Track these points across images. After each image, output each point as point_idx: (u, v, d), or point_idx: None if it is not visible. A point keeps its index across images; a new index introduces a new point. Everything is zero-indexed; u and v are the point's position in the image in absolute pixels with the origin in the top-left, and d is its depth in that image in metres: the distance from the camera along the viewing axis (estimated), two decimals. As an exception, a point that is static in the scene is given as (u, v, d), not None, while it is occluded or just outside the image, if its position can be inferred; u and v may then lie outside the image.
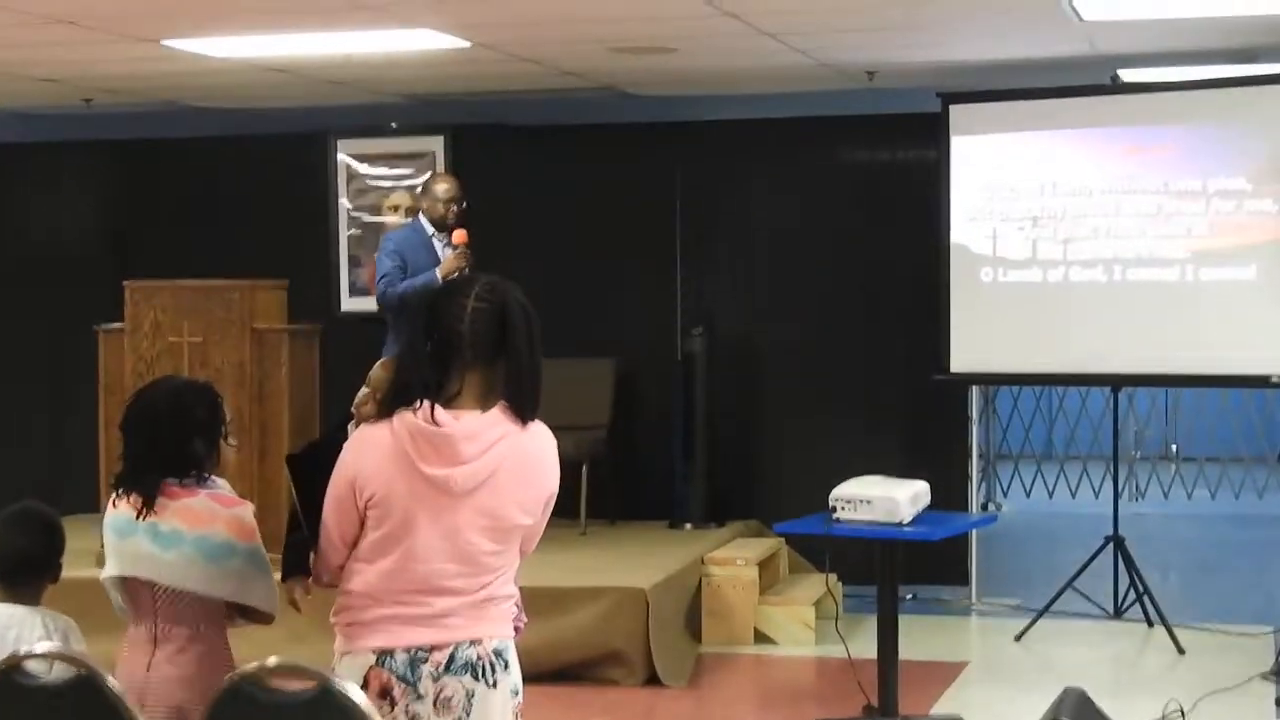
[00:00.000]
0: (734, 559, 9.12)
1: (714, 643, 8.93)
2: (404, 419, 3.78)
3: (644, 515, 10.40)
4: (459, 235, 8.84)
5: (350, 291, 10.96)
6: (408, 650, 3.80)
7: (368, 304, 10.73)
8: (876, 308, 10.26)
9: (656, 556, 9.15)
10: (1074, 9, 7.83)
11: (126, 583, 4.46)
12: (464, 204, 8.95)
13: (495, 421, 3.79)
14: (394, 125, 10.97)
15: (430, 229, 8.97)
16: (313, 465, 4.06)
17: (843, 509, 7.08)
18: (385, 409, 3.84)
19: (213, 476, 4.51)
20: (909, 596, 9.77)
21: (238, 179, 11.01)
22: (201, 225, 10.90)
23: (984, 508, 14.29)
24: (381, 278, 8.78)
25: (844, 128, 10.35)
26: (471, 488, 3.77)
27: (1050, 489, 14.37)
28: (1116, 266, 9.30)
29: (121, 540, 4.43)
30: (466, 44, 8.56)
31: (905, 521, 7.01)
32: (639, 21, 8.07)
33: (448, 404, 3.80)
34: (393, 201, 10.96)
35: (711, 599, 9.02)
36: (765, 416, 10.51)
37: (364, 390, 4.25)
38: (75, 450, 9.92)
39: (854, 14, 8.05)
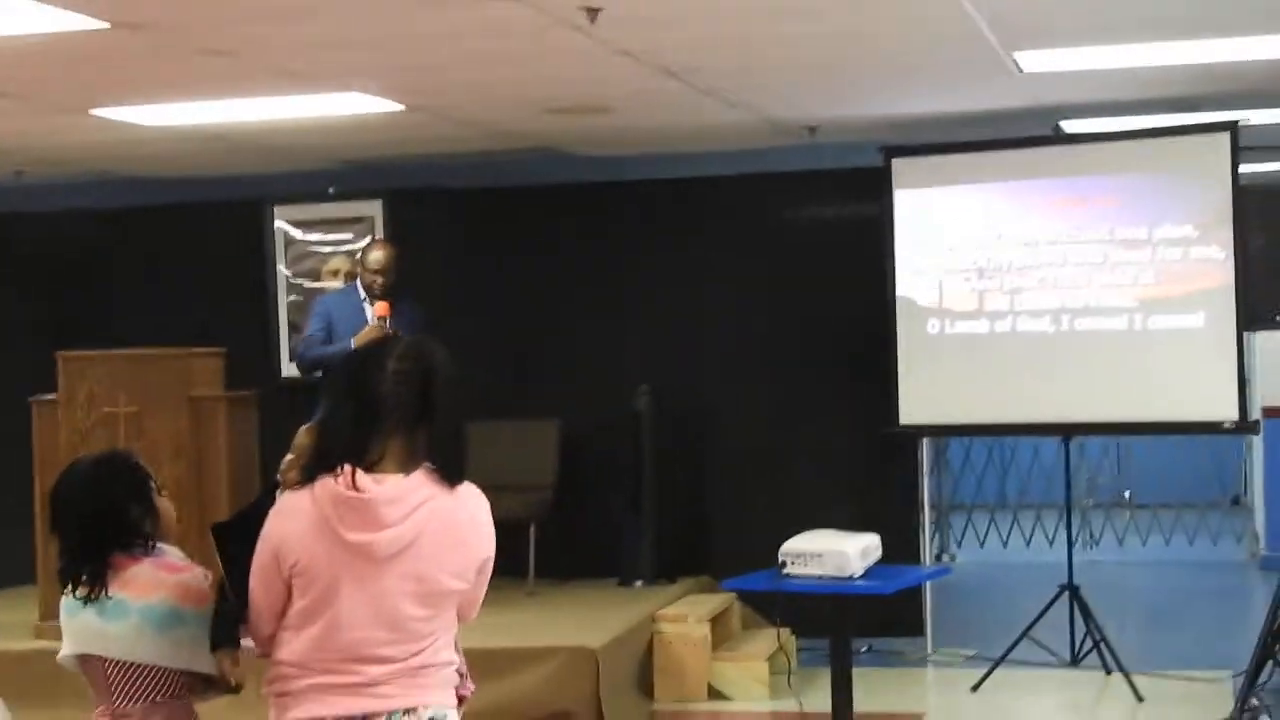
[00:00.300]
0: (685, 616, 9.01)
1: (667, 700, 8.80)
2: (325, 485, 3.70)
3: (594, 574, 10.29)
4: (380, 307, 8.86)
5: (290, 358, 10.83)
6: None
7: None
8: (824, 362, 10.18)
9: (606, 615, 9.04)
10: (1015, 62, 7.81)
11: (83, 662, 4.34)
12: (394, 275, 8.97)
13: (419, 485, 3.70)
14: (331, 190, 10.89)
15: (364, 295, 9.01)
16: (240, 534, 3.98)
17: (792, 564, 6.99)
18: (306, 475, 3.76)
19: (159, 544, 4.40)
20: (864, 649, 9.73)
21: (175, 247, 10.89)
22: (139, 295, 10.77)
23: (938, 558, 14.28)
24: (303, 339, 8.76)
25: (786, 184, 10.29)
26: (395, 552, 3.68)
27: (1004, 539, 14.34)
28: (1064, 316, 9.27)
29: (71, 619, 4.32)
30: (400, 107, 8.49)
31: (856, 575, 6.92)
32: (575, 83, 8.02)
33: (370, 469, 3.71)
34: (331, 267, 10.87)
35: (663, 657, 8.90)
36: (714, 473, 10.42)
37: (289, 457, 4.16)
38: (10, 523, 9.75)
39: (794, 72, 8.02)
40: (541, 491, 10.14)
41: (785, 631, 9.43)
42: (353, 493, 3.67)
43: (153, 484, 4.43)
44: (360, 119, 8.81)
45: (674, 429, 10.26)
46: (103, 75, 7.49)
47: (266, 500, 3.99)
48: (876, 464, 10.08)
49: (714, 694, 8.90)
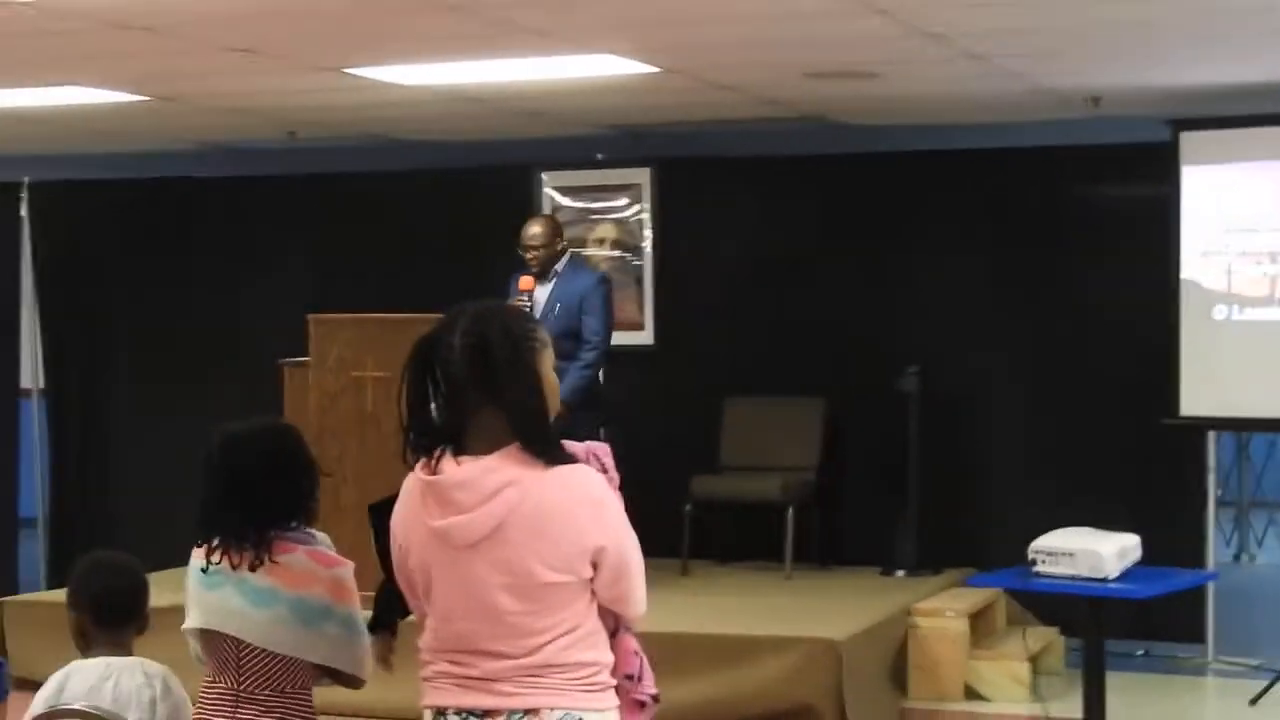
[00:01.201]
0: (943, 610, 8.56)
1: (921, 698, 8.37)
2: (419, 470, 3.49)
3: (856, 560, 9.91)
4: (523, 282, 8.65)
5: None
6: (459, 713, 3.48)
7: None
8: (1103, 347, 9.62)
9: (860, 605, 8.65)
10: (1311, 21, 7.19)
11: (207, 635, 4.15)
12: (547, 249, 8.76)
13: (498, 466, 3.41)
14: (600, 157, 10.65)
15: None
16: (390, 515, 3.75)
17: (1043, 562, 6.57)
18: (411, 459, 3.53)
19: (312, 530, 4.19)
20: (1140, 653, 9.23)
21: (440, 212, 10.77)
22: (404, 259, 10.66)
23: (1236, 559, 13.57)
24: None
25: (1067, 158, 9.73)
26: (476, 540, 3.41)
27: (1311, 540, 13.55)
28: (1362, 303, 8.59)
29: (208, 591, 4.13)
30: (655, 70, 8.19)
31: (1111, 577, 6.47)
32: (833, 44, 7.62)
33: (459, 451, 3.45)
34: (598, 234, 10.66)
35: (918, 652, 8.46)
36: (983, 459, 9.92)
37: None
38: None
39: (1073, 35, 7.48)
40: (804, 473, 9.80)
41: (1053, 630, 9.03)
42: (430, 476, 3.44)
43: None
44: (620, 83, 8.55)
45: (943, 411, 9.79)
46: (348, 30, 7.34)
47: (409, 484, 3.77)
48: (1160, 456, 9.48)
49: (971, 694, 8.45)
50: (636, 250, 10.56)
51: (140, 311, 11.51)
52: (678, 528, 9.64)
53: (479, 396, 3.43)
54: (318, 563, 4.10)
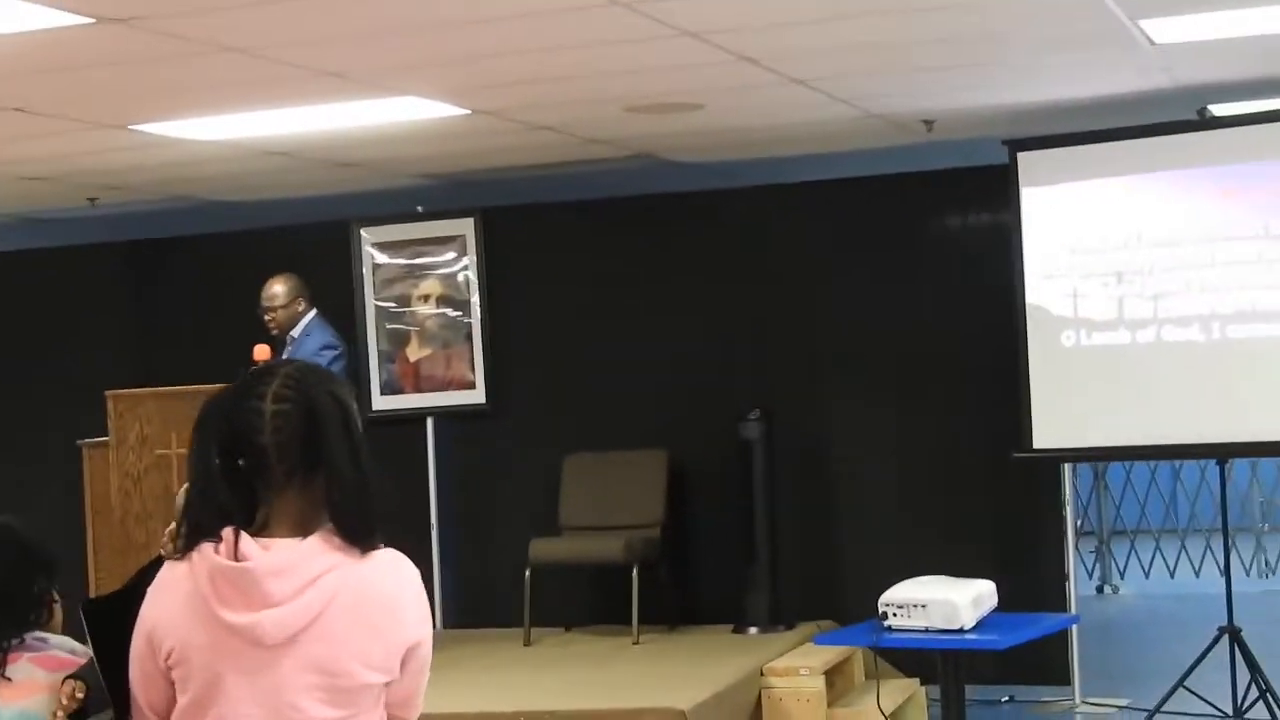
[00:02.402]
0: (797, 668, 8.12)
1: (779, 764, 7.94)
2: (204, 554, 2.93)
3: (707, 619, 9.45)
4: (258, 351, 7.94)
5: (381, 389, 10.13)
6: None
7: (402, 402, 10.00)
8: (950, 381, 9.27)
9: (711, 668, 8.17)
10: (1144, 33, 6.87)
11: None
12: (286, 311, 8.51)
13: (317, 551, 2.90)
14: (420, 209, 10.16)
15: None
16: (118, 614, 3.20)
17: (895, 615, 6.16)
18: (185, 543, 2.98)
19: (44, 635, 3.65)
20: (1005, 699, 8.89)
21: (253, 274, 10.20)
22: (215, 326, 10.07)
23: (1099, 591, 13.31)
24: None
25: (903, 185, 9.38)
26: (288, 637, 2.88)
27: (1171, 568, 13.29)
28: (1215, 323, 8.25)
29: None
30: (464, 112, 7.74)
31: (967, 627, 6.06)
32: (648, 74, 7.20)
33: (259, 533, 2.93)
34: (423, 291, 10.15)
35: (774, 713, 8.02)
36: (834, 506, 9.51)
37: (172, 525, 3.37)
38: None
39: (894, 53, 7.11)
40: (648, 530, 9.34)
41: (914, 682, 8.63)
42: (231, 562, 2.90)
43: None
44: (432, 128, 8.09)
45: (789, 457, 9.38)
46: (126, 85, 6.83)
47: (151, 574, 3.21)
48: (1015, 491, 9.14)
49: (831, 754, 8.04)
50: (464, 306, 10.07)
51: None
52: (519, 594, 9.13)
53: (287, 471, 2.93)
54: (43, 668, 3.56)
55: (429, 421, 10.11)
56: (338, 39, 6.27)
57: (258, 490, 2.94)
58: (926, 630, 6.07)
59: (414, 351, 10.15)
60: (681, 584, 9.47)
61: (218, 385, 7.44)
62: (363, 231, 10.21)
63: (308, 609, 2.88)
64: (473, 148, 8.85)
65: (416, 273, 10.16)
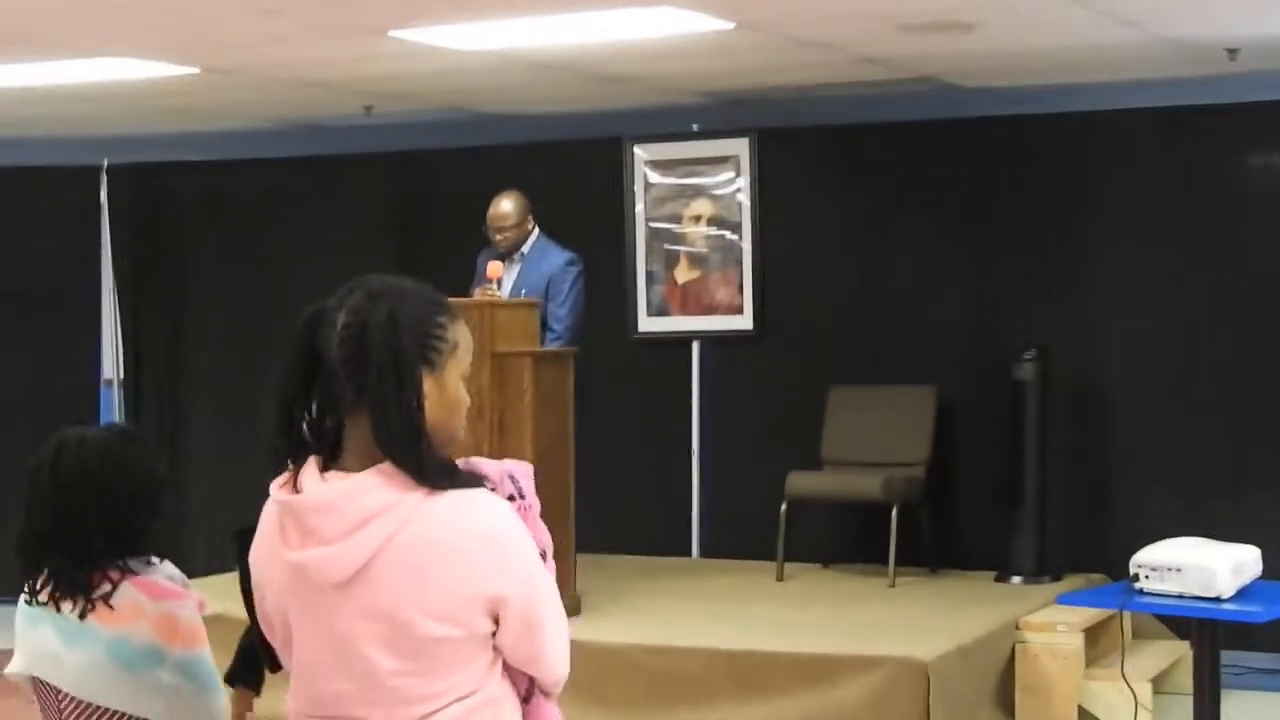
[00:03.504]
0: (1055, 624, 7.69)
1: (1030, 722, 7.55)
2: (278, 484, 2.74)
3: (970, 565, 9.06)
4: (492, 268, 7.92)
5: (648, 310, 9.91)
6: None
7: (669, 324, 9.78)
8: (1244, 329, 8.68)
9: (965, 618, 7.80)
10: None
11: (36, 684, 3.46)
12: (516, 229, 8.19)
13: (371, 486, 2.66)
14: (695, 128, 9.87)
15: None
16: None
17: (1147, 577, 5.69)
18: (273, 469, 2.78)
19: (152, 557, 3.48)
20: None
21: (526, 189, 10.04)
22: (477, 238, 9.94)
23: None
24: None
25: (1200, 120, 8.77)
26: (342, 579, 2.66)
27: None
28: None
29: (29, 630, 3.44)
30: (727, 25, 7.41)
31: (1225, 595, 5.57)
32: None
33: (330, 463, 2.72)
34: (693, 211, 9.89)
35: (1027, 671, 7.61)
36: (1110, 453, 9.00)
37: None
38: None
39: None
40: (911, 468, 8.97)
41: (1184, 645, 8.11)
42: (287, 495, 2.70)
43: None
44: (698, 43, 7.78)
45: (1065, 401, 8.91)
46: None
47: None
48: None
49: (1087, 717, 7.59)
50: (735, 228, 9.78)
51: (226, 300, 10.98)
52: (776, 527, 8.85)
53: (356, 394, 2.70)
54: (145, 594, 3.40)
55: (695, 345, 9.87)
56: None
57: (325, 415, 2.72)
58: (1181, 596, 5.60)
59: (683, 273, 9.91)
60: (944, 526, 9.08)
61: (459, 298, 7.38)
62: (636, 149, 9.97)
63: (358, 550, 2.64)
64: (744, 65, 8.52)
65: (689, 192, 9.90)
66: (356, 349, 2.68)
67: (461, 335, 2.83)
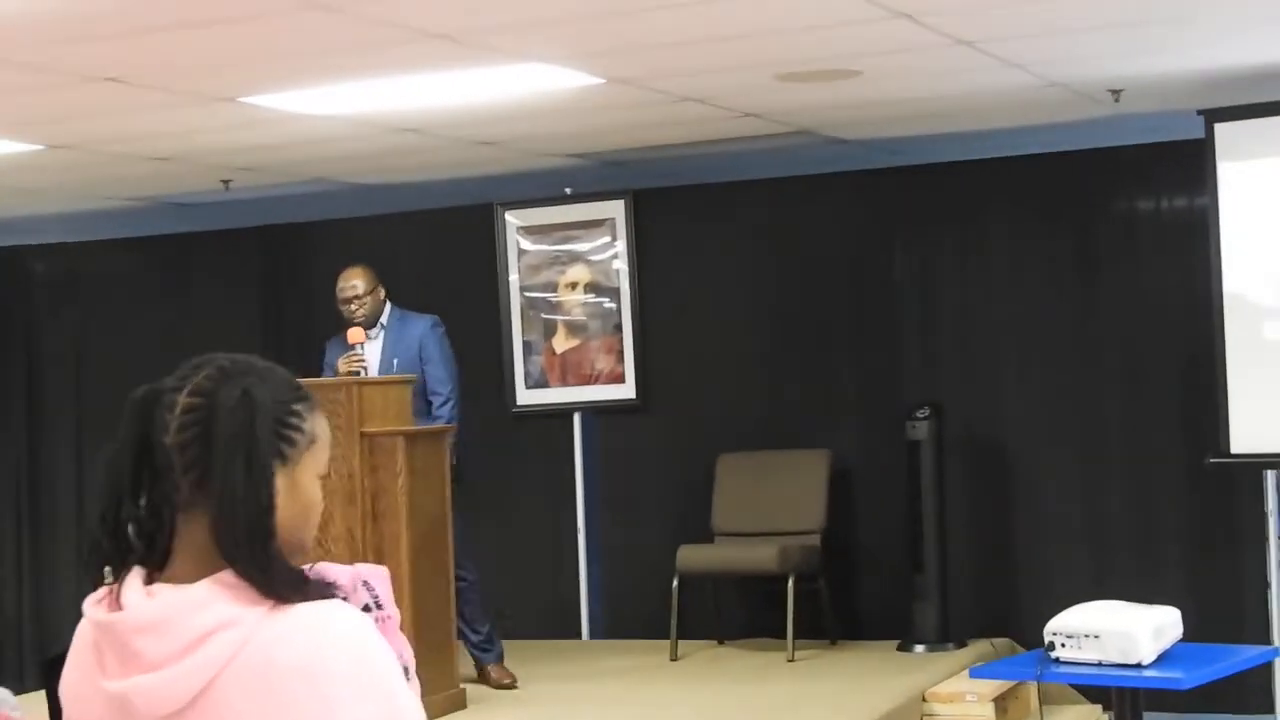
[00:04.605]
0: (963, 693, 7.36)
1: (941, 803, 7.21)
2: (95, 601, 2.29)
3: (870, 635, 8.73)
4: (353, 333, 7.66)
5: (526, 382, 9.53)
6: None
7: (549, 396, 9.41)
8: (1140, 376, 8.44)
9: (869, 691, 7.46)
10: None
11: None
12: (371, 299, 7.88)
13: (209, 599, 2.20)
14: (568, 191, 9.53)
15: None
16: None
17: (1064, 645, 5.38)
18: (91, 579, 2.34)
19: None
20: (1197, 732, 8.01)
21: (394, 259, 9.64)
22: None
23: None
24: None
25: (1086, 162, 8.55)
26: (170, 711, 2.20)
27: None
28: None
29: None
30: (598, 80, 7.07)
31: (1146, 661, 5.27)
32: (796, 34, 6.46)
33: (161, 570, 2.27)
34: (570, 278, 9.53)
35: (936, 746, 7.29)
36: (1010, 514, 8.71)
37: None
38: None
39: (1077, 10, 6.28)
40: (806, 537, 8.63)
41: (1096, 709, 7.83)
42: (102, 613, 2.25)
43: None
44: (568, 101, 7.43)
45: (961, 459, 8.63)
46: (223, 53, 6.29)
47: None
48: (1213, 500, 8.30)
49: (1001, 791, 7.27)
50: (613, 294, 9.43)
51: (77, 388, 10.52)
52: (667, 604, 8.47)
53: (192, 488, 2.27)
54: None
55: (576, 417, 9.50)
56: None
57: (157, 515, 2.30)
58: (1100, 664, 5.30)
59: (561, 342, 9.54)
60: (843, 596, 8.75)
61: (334, 379, 6.96)
62: (507, 215, 9.62)
63: (189, 677, 2.19)
64: (617, 123, 8.18)
65: (564, 259, 9.55)
66: (199, 434, 2.26)
67: (320, 428, 2.41)
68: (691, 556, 8.50)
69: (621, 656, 8.71)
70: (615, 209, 9.43)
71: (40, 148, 8.08)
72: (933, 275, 8.87)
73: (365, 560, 7.07)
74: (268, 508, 2.22)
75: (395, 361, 7.75)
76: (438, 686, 7.24)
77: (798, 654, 8.32)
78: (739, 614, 8.99)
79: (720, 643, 8.90)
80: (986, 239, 8.77)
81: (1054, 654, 5.35)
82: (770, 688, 7.75)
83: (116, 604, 2.23)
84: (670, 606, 8.46)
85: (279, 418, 2.30)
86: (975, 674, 6.06)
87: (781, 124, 8.37)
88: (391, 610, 2.51)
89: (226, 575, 2.20)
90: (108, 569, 2.36)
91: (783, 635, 8.39)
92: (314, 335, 9.73)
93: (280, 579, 2.22)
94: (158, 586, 2.23)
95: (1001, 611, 8.58)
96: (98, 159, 8.47)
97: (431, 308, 8.24)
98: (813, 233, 9.14)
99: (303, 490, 2.32)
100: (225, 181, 9.49)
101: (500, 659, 7.94)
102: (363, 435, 7.18)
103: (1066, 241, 8.61)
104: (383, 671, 2.30)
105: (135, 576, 2.25)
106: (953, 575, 8.51)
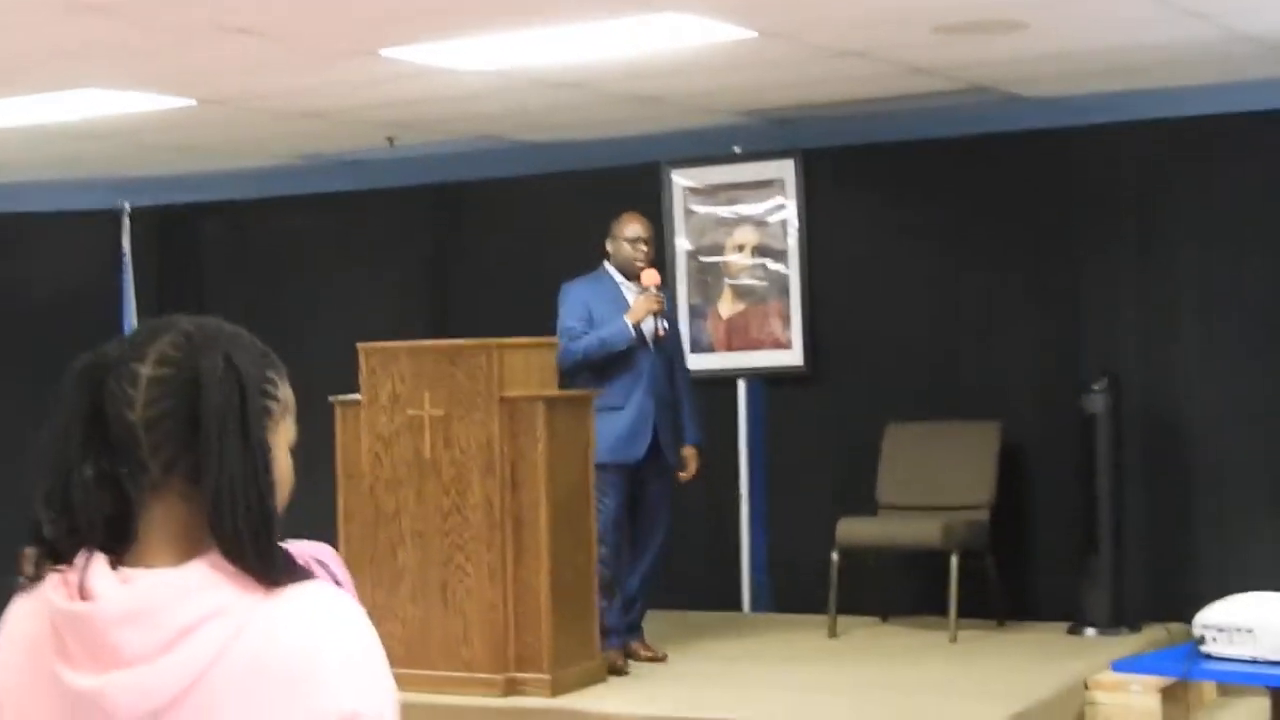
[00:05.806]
0: (1128, 683, 6.96)
1: (1104, 794, 6.83)
2: (51, 588, 2.05)
3: (1039, 616, 8.35)
4: (650, 275, 7.50)
5: (691, 347, 9.24)
6: None
7: (714, 361, 9.14)
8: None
9: (1031, 675, 7.11)
10: None
11: None
12: (653, 247, 7.73)
13: (197, 585, 1.98)
14: (737, 149, 9.23)
15: (618, 277, 7.65)
16: None
17: (1214, 640, 4.98)
18: (34, 569, 2.11)
19: None
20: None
21: (558, 220, 9.44)
22: (531, 275, 9.30)
23: None
24: (562, 334, 7.43)
25: (1273, 124, 8.05)
26: (149, 712, 1.98)
27: None
28: None
29: None
30: (750, 34, 6.77)
31: (1303, 659, 4.86)
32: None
33: (123, 557, 2.04)
34: (737, 240, 9.24)
35: (1098, 736, 6.91)
36: (1190, 490, 8.26)
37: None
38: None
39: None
40: (974, 512, 8.26)
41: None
42: (70, 603, 2.01)
43: None
44: (724, 55, 7.15)
45: (1139, 434, 8.20)
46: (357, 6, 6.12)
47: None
48: None
49: (1166, 785, 6.87)
50: (781, 257, 9.12)
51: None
52: (827, 578, 8.17)
53: (164, 467, 2.06)
54: None
55: (740, 384, 9.21)
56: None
57: (130, 494, 2.08)
58: (1254, 661, 4.90)
59: (727, 307, 9.26)
60: (1010, 575, 8.36)
61: (479, 340, 6.79)
62: (674, 174, 9.34)
63: (178, 671, 1.96)
64: (780, 79, 7.88)
65: (731, 221, 9.26)
66: (173, 408, 2.04)
67: (289, 396, 2.19)
68: (852, 530, 8.19)
69: (780, 631, 8.43)
70: (785, 169, 9.11)
71: (191, 103, 7.99)
72: (1113, 239, 8.42)
73: (504, 531, 6.90)
74: (269, 489, 2.01)
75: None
76: (576, 658, 7.04)
77: (962, 634, 7.97)
78: (903, 590, 8.66)
79: (884, 619, 8.58)
80: (1169, 202, 8.30)
81: (1204, 648, 4.96)
82: (924, 669, 7.42)
83: (80, 592, 2.01)
84: (829, 581, 8.16)
85: (261, 387, 2.08)
86: (1118, 667, 5.67)
87: (951, 80, 7.99)
88: (350, 589, 2.29)
89: (214, 557, 1.98)
90: (29, 551, 2.17)
91: (946, 614, 8.05)
92: (478, 295, 9.62)
93: (277, 564, 2.00)
94: (132, 572, 2.00)
95: (1179, 595, 8.12)
96: (249, 114, 8.38)
97: (598, 268, 8.03)
98: (988, 195, 8.74)
99: (279, 464, 2.11)
100: (390, 139, 9.36)
101: (640, 634, 7.70)
102: (502, 400, 6.98)
103: (1254, 206, 8.11)
104: (380, 656, 2.09)
105: (99, 562, 2.02)
106: (1128, 555, 8.09)
